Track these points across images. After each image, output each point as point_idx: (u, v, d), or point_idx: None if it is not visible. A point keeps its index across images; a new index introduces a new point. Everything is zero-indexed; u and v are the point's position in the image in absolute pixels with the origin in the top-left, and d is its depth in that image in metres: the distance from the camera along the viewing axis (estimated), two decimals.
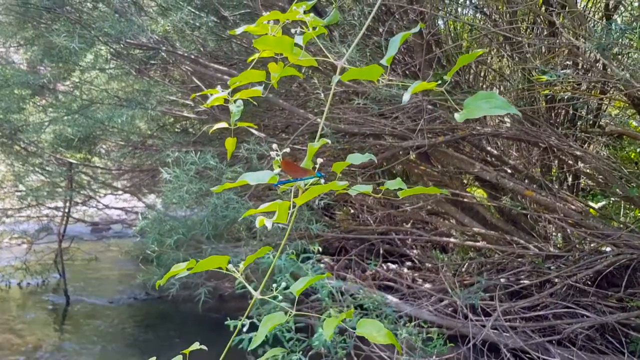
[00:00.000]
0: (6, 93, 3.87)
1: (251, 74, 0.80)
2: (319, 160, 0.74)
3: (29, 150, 4.53)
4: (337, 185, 0.64)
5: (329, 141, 0.69)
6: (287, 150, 0.75)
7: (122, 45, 4.08)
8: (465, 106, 0.59)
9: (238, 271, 0.78)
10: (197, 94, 1.06)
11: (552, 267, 3.54)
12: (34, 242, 5.21)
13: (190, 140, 4.41)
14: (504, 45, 4.16)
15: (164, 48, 3.82)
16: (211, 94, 0.90)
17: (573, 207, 3.51)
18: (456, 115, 0.59)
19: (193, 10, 3.78)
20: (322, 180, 0.73)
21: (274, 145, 0.73)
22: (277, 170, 0.73)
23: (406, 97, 0.62)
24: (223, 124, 1.02)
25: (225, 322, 2.32)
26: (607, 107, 4.53)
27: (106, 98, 4.04)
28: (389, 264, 4.69)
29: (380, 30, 3.88)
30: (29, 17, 3.85)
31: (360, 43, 3.67)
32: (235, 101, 0.87)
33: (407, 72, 4.10)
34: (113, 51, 4.29)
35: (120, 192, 5.90)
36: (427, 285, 4.11)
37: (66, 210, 5.02)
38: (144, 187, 5.34)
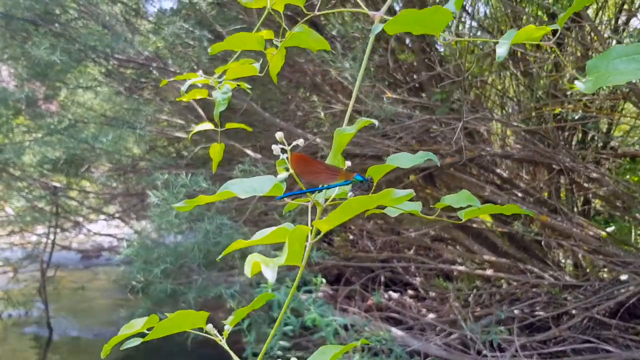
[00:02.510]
0: None
1: (243, 39, 0.58)
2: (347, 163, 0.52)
3: (11, 173, 4.29)
4: (392, 196, 0.41)
5: (376, 122, 0.47)
6: (300, 142, 0.51)
7: (111, 63, 3.89)
8: (589, 71, 0.37)
9: (222, 335, 0.55)
10: (170, 79, 0.84)
11: (569, 298, 3.31)
12: (17, 271, 4.93)
13: (183, 163, 4.18)
14: (508, 61, 3.98)
15: (154, 65, 3.63)
16: (187, 79, 0.68)
17: (591, 232, 3.28)
18: (578, 84, 0.37)
19: (186, 26, 3.59)
20: (350, 191, 0.51)
21: (278, 134, 0.50)
22: (283, 174, 0.50)
23: (502, 50, 0.40)
24: (207, 125, 0.80)
25: None
26: (615, 128, 4.34)
27: (92, 117, 3.82)
28: (391, 292, 4.44)
29: (381, 50, 3.70)
30: (14, 32, 3.66)
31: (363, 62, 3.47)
32: (221, 86, 0.66)
33: (409, 90, 3.92)
34: (103, 69, 4.09)
35: (109, 217, 5.64)
36: (432, 316, 3.86)
37: (51, 237, 4.76)
38: (133, 212, 5.09)
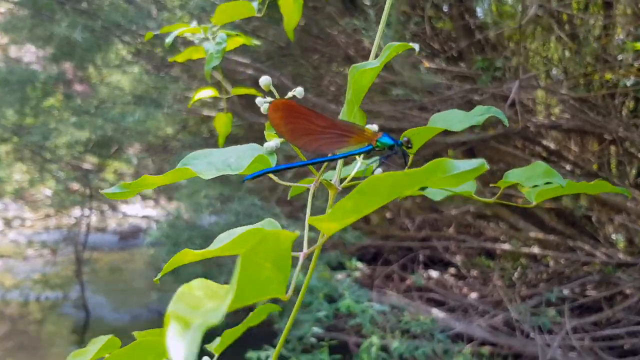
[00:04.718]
0: (18, 95, 3.59)
1: None
2: (373, 127, 0.36)
3: (44, 156, 4.25)
4: (447, 171, 0.25)
5: (416, 46, 0.31)
6: (298, 91, 0.36)
7: (137, 41, 3.79)
8: None
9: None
10: (156, 32, 0.70)
11: (623, 277, 3.09)
12: (54, 254, 4.95)
13: (214, 143, 4.08)
14: (553, 25, 3.73)
15: (180, 42, 3.51)
16: (175, 29, 0.54)
17: None
18: None
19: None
20: (374, 168, 0.35)
21: (263, 79, 0.34)
22: (272, 142, 0.35)
23: None
24: (208, 91, 0.66)
25: (247, 355, 1.96)
26: None
27: (120, 97, 3.74)
28: (431, 271, 4.29)
29: (416, 18, 3.50)
30: (38, 11, 3.58)
31: (398, 30, 3.29)
32: (214, 36, 0.51)
33: (447, 59, 3.71)
34: (132, 49, 4.00)
35: (144, 198, 5.61)
36: (474, 296, 3.70)
37: (86, 219, 4.74)
38: (165, 193, 5.04)
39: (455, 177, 0.24)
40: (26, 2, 3.49)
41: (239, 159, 0.34)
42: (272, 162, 0.34)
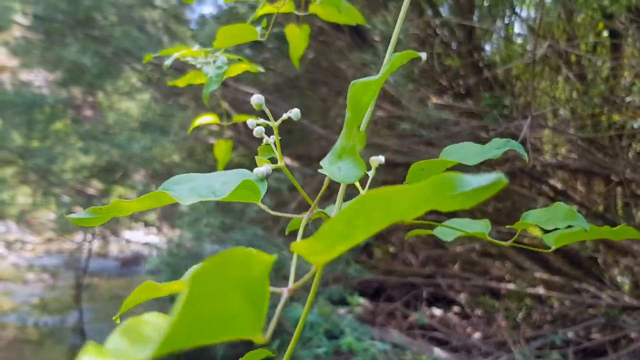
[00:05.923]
0: (25, 118, 3.61)
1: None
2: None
3: (49, 180, 4.26)
4: (454, 188, 0.20)
5: (424, 55, 0.29)
6: (294, 113, 0.34)
7: (148, 69, 3.83)
8: None
9: None
10: (155, 54, 0.69)
11: (627, 321, 3.03)
12: (54, 278, 4.91)
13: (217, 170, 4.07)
14: (561, 67, 3.74)
15: (190, 70, 3.53)
16: (174, 52, 0.53)
17: None
18: None
19: None
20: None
21: (255, 97, 0.32)
22: (263, 167, 0.33)
23: None
24: (208, 117, 0.65)
25: None
26: None
27: (128, 124, 3.76)
28: (434, 308, 4.22)
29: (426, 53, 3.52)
30: (49, 35, 3.63)
31: (407, 66, 3.31)
32: (215, 60, 0.50)
33: (455, 96, 3.72)
34: (143, 77, 4.04)
35: (147, 225, 5.59)
36: (478, 336, 3.63)
37: (88, 244, 4.72)
38: (169, 220, 5.02)
39: (466, 196, 0.20)
40: (38, 26, 3.54)
41: (223, 184, 0.32)
42: (262, 189, 0.32)
